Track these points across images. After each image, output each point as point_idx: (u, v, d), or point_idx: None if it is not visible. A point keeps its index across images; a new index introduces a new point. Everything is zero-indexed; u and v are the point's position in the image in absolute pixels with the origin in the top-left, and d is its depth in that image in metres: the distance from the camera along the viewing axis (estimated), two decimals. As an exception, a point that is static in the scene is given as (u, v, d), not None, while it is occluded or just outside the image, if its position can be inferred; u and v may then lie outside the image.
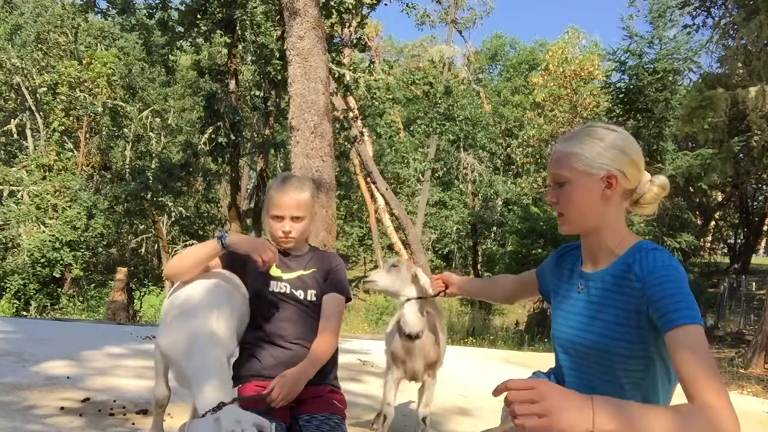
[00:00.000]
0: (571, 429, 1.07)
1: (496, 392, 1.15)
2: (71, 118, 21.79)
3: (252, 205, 19.21)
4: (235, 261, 2.09)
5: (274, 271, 2.11)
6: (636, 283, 1.36)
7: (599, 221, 1.45)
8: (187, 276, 2.02)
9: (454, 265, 31.46)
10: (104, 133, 23.49)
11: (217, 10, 14.29)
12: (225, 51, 16.12)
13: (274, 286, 2.09)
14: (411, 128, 29.22)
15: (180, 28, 14.44)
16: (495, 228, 26.80)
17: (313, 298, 2.11)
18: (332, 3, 13.27)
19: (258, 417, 1.65)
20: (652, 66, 14.87)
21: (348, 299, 2.21)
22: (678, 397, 1.29)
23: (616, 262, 1.44)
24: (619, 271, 1.42)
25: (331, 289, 2.14)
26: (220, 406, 1.68)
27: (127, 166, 22.32)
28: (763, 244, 31.06)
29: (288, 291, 2.09)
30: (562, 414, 1.07)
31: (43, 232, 19.30)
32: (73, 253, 19.17)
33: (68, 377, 3.73)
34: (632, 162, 1.45)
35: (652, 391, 1.41)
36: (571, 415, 1.07)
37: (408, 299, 2.71)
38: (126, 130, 23.56)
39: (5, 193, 20.35)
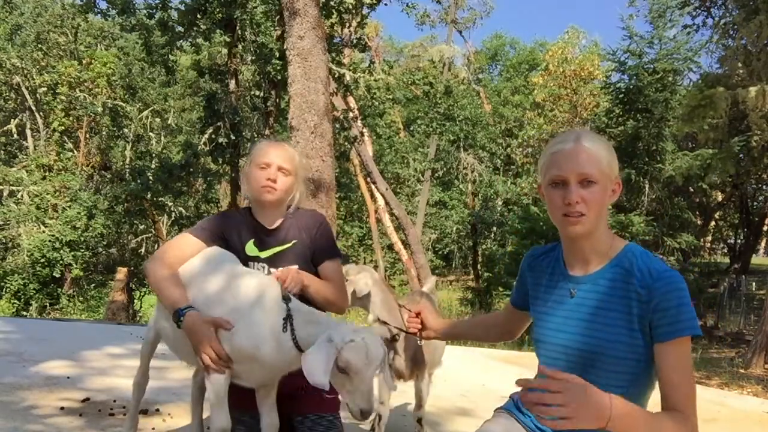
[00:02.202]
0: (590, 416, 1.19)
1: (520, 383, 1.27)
2: (71, 118, 21.80)
3: (252, 205, 19.17)
4: (216, 239, 2.01)
5: (251, 250, 2.03)
6: (640, 289, 1.39)
7: (601, 224, 1.47)
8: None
9: (454, 265, 31.48)
10: (104, 133, 23.49)
11: (217, 9, 14.29)
12: (225, 51, 16.13)
13: (252, 267, 2.01)
14: (411, 128, 29.22)
15: (180, 28, 14.44)
16: (495, 228, 26.79)
17: None
18: (332, 3, 13.26)
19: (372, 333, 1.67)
20: (652, 66, 14.85)
21: (341, 257, 2.15)
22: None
23: (610, 265, 1.46)
24: (616, 274, 1.44)
25: (323, 258, 2.06)
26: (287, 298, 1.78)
27: (127, 166, 22.32)
28: (763, 244, 31.06)
29: (266, 272, 2.00)
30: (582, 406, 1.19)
31: (43, 232, 19.30)
32: (73, 253, 19.16)
33: (68, 377, 3.72)
34: None
35: (636, 396, 1.43)
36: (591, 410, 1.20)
37: (375, 320, 2.67)
38: (126, 130, 23.55)
39: (5, 193, 20.34)
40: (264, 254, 2.02)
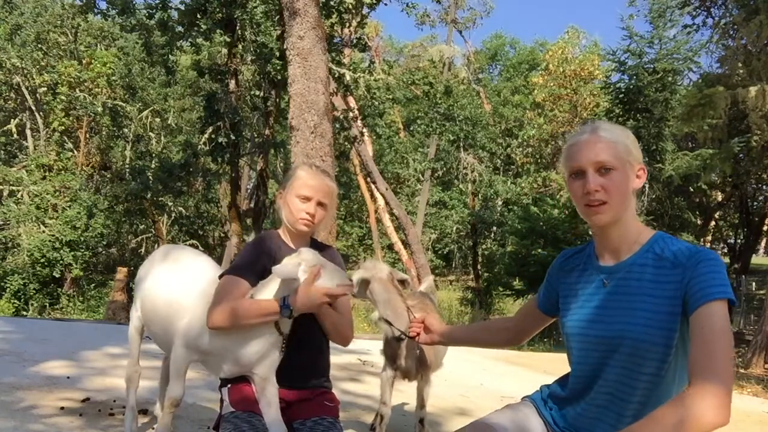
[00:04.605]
0: None
1: None
2: (71, 118, 21.80)
3: (252, 205, 19.21)
4: (257, 272, 2.01)
5: None
6: (675, 269, 1.39)
7: (628, 211, 1.48)
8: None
9: (454, 265, 31.48)
10: (104, 133, 23.48)
11: (217, 9, 14.29)
12: (225, 51, 16.12)
13: None
14: (411, 128, 29.21)
15: (180, 28, 14.44)
16: (495, 228, 26.79)
17: None
18: (332, 3, 13.26)
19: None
20: (651, 66, 14.86)
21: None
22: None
23: (641, 252, 1.46)
24: (647, 260, 1.45)
25: None
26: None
27: (127, 166, 22.32)
28: (763, 244, 31.08)
29: None
30: None
31: (43, 232, 19.31)
32: (73, 253, 19.16)
33: (68, 377, 3.72)
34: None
35: (671, 380, 1.43)
36: None
37: (380, 319, 2.69)
38: (126, 130, 23.54)
39: (5, 193, 20.34)
40: None
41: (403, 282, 2.82)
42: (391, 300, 2.67)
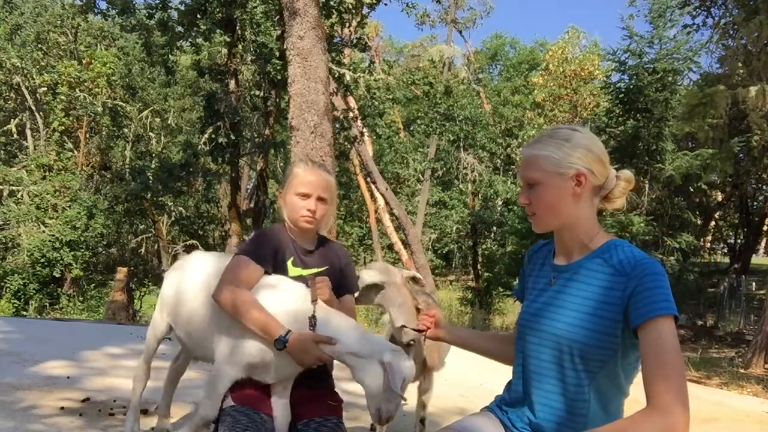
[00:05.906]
0: None
1: None
2: (71, 118, 21.80)
3: (252, 205, 19.20)
4: (269, 258, 2.03)
5: (292, 271, 2.06)
6: (619, 278, 1.41)
7: (571, 218, 1.50)
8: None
9: (454, 265, 31.49)
10: (104, 133, 23.49)
11: (217, 9, 14.29)
12: (225, 51, 16.12)
13: None
14: (411, 128, 29.21)
15: (180, 28, 14.44)
16: (495, 228, 26.78)
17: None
18: (332, 3, 13.26)
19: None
20: (652, 66, 14.82)
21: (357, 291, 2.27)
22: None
23: (589, 256, 1.50)
24: (594, 265, 1.47)
25: (346, 291, 2.15)
26: None
27: (127, 166, 22.32)
28: (763, 244, 31.07)
29: None
30: None
31: (43, 232, 19.31)
32: (73, 253, 19.16)
33: (68, 377, 3.73)
34: (598, 159, 1.50)
35: (607, 383, 1.45)
36: None
37: (394, 325, 2.61)
38: (126, 130, 23.55)
39: (5, 193, 20.34)
40: (302, 273, 2.07)
41: (416, 281, 2.76)
42: (406, 304, 2.60)
